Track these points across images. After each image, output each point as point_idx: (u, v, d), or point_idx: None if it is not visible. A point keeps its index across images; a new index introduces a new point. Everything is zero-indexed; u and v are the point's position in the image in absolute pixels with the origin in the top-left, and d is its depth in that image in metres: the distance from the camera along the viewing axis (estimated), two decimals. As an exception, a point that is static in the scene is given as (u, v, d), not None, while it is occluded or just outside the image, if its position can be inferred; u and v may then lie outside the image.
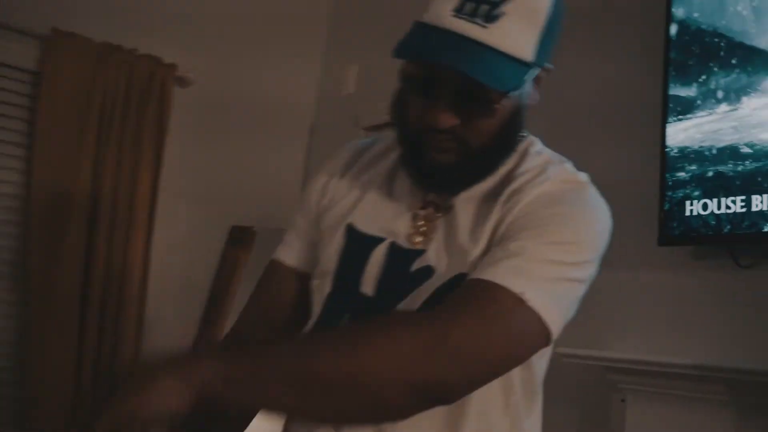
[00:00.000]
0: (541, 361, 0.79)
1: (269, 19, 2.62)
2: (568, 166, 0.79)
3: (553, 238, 0.70)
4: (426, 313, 0.68)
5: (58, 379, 2.04)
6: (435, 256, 0.74)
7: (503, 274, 0.65)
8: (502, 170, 0.78)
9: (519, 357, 0.69)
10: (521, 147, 0.80)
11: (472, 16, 0.67)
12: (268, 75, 2.59)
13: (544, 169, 0.77)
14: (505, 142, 0.77)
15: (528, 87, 0.76)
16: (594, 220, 0.75)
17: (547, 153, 0.82)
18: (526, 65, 0.71)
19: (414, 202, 0.78)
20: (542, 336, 0.67)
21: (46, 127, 2.16)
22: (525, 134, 0.81)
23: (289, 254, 0.86)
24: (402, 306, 0.73)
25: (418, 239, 0.76)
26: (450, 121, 0.70)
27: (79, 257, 2.12)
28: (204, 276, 2.46)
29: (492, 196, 0.76)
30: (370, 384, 0.60)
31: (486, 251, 0.71)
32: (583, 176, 0.79)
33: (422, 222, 0.77)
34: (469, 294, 0.66)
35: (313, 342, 0.67)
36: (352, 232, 0.78)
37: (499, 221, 0.73)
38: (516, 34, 0.69)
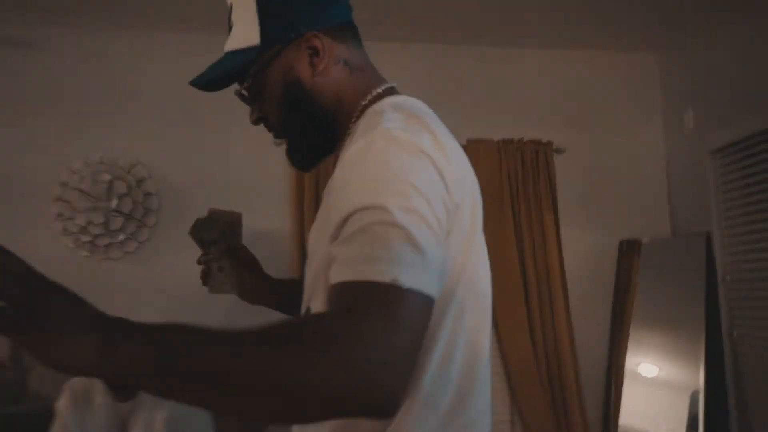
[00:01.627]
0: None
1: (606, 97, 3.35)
2: (387, 117, 0.76)
3: (348, 205, 0.67)
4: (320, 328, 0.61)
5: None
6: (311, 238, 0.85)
7: (336, 274, 0.64)
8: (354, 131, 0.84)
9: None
10: (368, 109, 0.84)
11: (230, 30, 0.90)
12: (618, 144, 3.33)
13: (363, 132, 0.77)
14: (297, 113, 0.86)
15: (288, 57, 0.85)
16: (375, 166, 0.69)
17: (386, 107, 0.81)
18: (252, 50, 0.85)
19: None
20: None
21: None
22: (376, 92, 0.87)
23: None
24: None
25: None
26: (253, 116, 0.91)
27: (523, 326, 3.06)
28: (606, 288, 3.25)
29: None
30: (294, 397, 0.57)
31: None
32: (398, 126, 0.74)
33: None
34: (344, 301, 0.62)
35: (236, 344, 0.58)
36: None
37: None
38: (239, 32, 0.87)
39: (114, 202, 3.08)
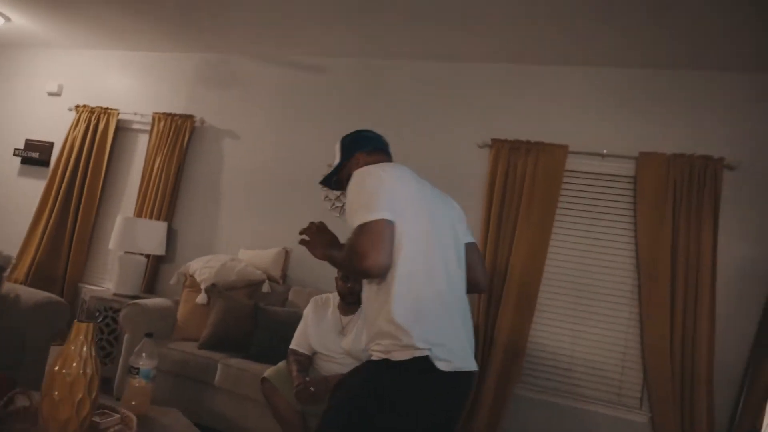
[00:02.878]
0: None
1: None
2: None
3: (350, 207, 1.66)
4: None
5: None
6: None
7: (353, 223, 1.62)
8: None
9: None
10: None
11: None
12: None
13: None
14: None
15: (348, 166, 1.95)
16: (356, 179, 1.67)
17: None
18: (339, 164, 2.00)
19: None
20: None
21: (643, 212, 3.72)
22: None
23: None
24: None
25: None
26: (340, 189, 2.07)
27: (665, 316, 3.51)
28: (757, 300, 3.50)
29: None
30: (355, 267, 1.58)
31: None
32: (371, 165, 1.75)
33: None
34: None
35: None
36: None
37: None
38: (335, 158, 2.05)
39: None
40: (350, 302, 2.97)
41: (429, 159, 4.23)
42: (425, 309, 1.59)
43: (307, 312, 3.08)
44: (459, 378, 1.60)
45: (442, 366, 1.54)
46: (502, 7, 3.43)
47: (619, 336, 3.76)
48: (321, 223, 1.91)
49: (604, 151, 3.85)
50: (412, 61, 4.39)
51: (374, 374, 1.58)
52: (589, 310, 3.85)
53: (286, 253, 4.37)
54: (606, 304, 3.82)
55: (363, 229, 1.55)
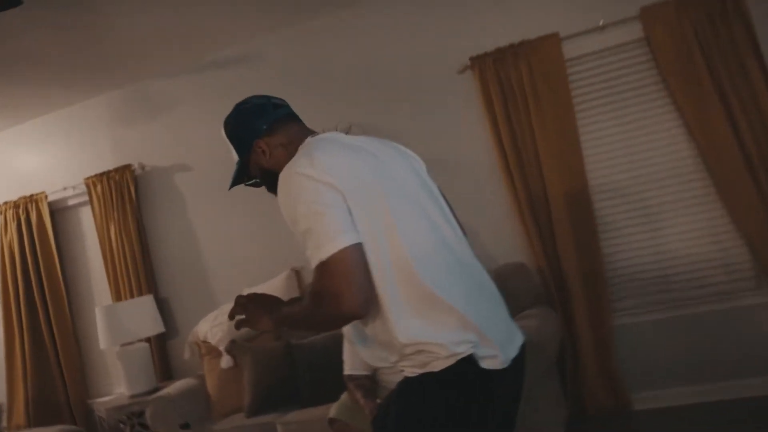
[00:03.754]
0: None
1: None
2: (291, 162, 1.40)
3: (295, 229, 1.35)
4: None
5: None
6: None
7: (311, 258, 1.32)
8: None
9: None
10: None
11: None
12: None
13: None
14: (270, 180, 1.58)
15: (254, 158, 1.60)
16: (287, 198, 1.35)
17: (300, 152, 1.45)
18: (240, 162, 1.64)
19: None
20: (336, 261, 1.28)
21: (672, 75, 3.23)
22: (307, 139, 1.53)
23: None
24: None
25: None
26: (258, 186, 1.69)
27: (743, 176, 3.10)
28: None
29: None
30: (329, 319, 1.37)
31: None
32: (292, 165, 1.38)
33: None
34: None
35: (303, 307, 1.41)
36: None
37: None
38: (233, 153, 1.66)
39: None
40: None
41: (408, 103, 3.77)
42: (443, 307, 1.34)
43: (346, 330, 2.67)
44: (510, 369, 1.40)
45: (488, 364, 1.33)
46: None
47: (702, 222, 3.33)
48: (249, 294, 1.56)
49: (601, 23, 3.33)
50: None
51: (419, 394, 1.35)
52: (659, 205, 3.40)
53: (297, 273, 3.94)
54: (674, 192, 3.37)
55: (324, 268, 1.27)
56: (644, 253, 3.41)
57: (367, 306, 1.29)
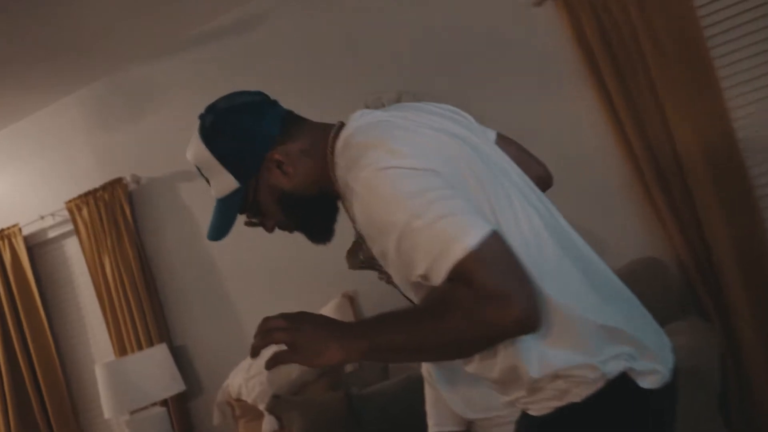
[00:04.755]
0: None
1: None
2: (354, 164, 1.05)
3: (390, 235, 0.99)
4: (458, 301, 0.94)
5: None
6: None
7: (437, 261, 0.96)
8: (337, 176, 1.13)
9: None
10: (335, 156, 1.13)
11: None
12: None
13: (345, 181, 1.07)
14: (296, 212, 1.22)
15: (264, 180, 1.18)
16: (379, 197, 0.99)
17: (354, 149, 1.07)
18: (237, 192, 1.19)
19: None
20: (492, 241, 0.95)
21: None
22: (330, 147, 1.14)
23: None
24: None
25: None
26: (270, 229, 1.28)
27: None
28: None
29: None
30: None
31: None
32: (362, 166, 1.02)
33: None
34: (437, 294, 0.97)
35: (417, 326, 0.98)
36: None
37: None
38: (218, 184, 1.21)
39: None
40: None
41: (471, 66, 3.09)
42: (580, 319, 1.06)
43: (426, 370, 2.33)
44: (671, 385, 1.14)
45: (650, 382, 1.07)
46: None
47: None
48: (298, 313, 1.08)
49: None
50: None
51: None
52: None
53: (351, 300, 3.34)
54: None
55: (473, 264, 0.91)
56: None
57: (538, 314, 0.97)
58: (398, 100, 3.12)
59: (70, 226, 3.95)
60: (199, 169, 1.23)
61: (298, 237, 3.34)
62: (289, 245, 3.37)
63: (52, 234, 4.09)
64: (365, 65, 3.30)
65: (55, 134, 4.05)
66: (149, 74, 3.79)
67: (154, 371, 3.39)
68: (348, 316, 3.25)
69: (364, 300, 3.40)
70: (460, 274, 0.91)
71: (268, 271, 3.60)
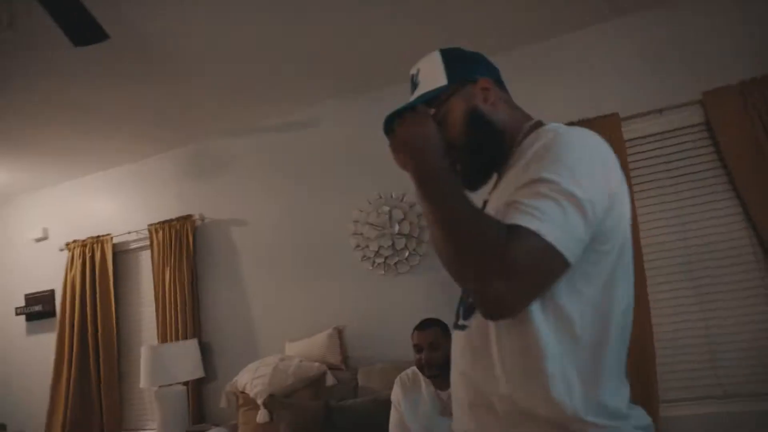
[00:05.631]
0: (572, 299, 0.84)
1: None
2: (555, 125, 0.92)
3: (542, 174, 0.82)
4: (500, 238, 0.78)
5: None
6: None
7: (518, 219, 0.80)
8: (518, 149, 0.97)
9: (543, 280, 0.81)
10: (534, 132, 0.95)
11: (413, 89, 1.09)
12: None
13: (537, 137, 0.91)
14: (478, 132, 1.00)
15: (466, 94, 1.03)
16: (568, 151, 0.84)
17: (555, 127, 0.93)
18: (439, 88, 1.02)
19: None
20: (559, 261, 0.79)
21: (734, 160, 2.76)
22: (530, 124, 1.01)
23: None
24: None
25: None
26: None
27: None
28: None
29: (509, 174, 0.95)
30: (459, 262, 0.83)
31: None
32: (563, 127, 0.90)
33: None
34: (510, 236, 0.78)
35: (466, 211, 0.83)
36: None
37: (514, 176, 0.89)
38: (426, 83, 1.05)
39: (396, 228, 3.43)
40: (430, 375, 2.21)
41: None
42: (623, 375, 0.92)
43: (396, 397, 2.33)
44: None
45: None
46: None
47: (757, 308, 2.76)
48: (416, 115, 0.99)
49: (661, 107, 2.95)
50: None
51: None
52: (712, 287, 2.85)
53: (339, 333, 3.42)
54: (730, 273, 2.82)
55: (528, 244, 0.80)
56: (694, 332, 2.82)
57: (515, 315, 0.84)
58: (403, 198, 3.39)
59: (147, 242, 4.11)
60: (417, 71, 1.08)
61: (307, 282, 3.52)
62: (300, 288, 3.55)
63: (133, 246, 4.23)
64: (380, 166, 3.52)
65: (152, 176, 4.23)
66: (226, 146, 3.97)
67: (183, 358, 3.46)
68: (335, 343, 3.33)
69: (349, 333, 3.44)
70: (519, 234, 0.77)
71: (280, 304, 3.65)
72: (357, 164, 3.57)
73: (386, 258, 3.43)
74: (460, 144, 1.01)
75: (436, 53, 1.07)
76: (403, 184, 3.43)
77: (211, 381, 3.77)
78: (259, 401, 3.06)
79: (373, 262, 3.46)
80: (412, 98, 1.04)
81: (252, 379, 3.15)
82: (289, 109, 3.74)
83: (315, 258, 3.63)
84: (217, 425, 3.39)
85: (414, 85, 1.08)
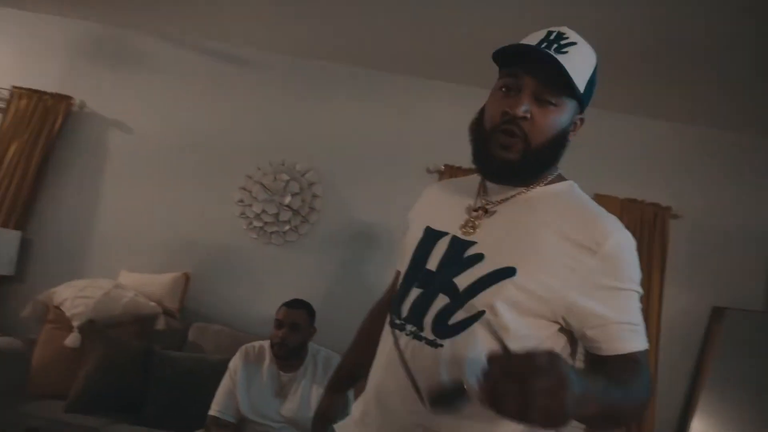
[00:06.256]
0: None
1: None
2: (613, 218, 0.93)
3: (630, 286, 0.92)
4: (635, 384, 0.87)
5: None
6: (487, 247, 0.93)
7: (636, 343, 0.91)
8: (548, 188, 0.97)
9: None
10: (565, 182, 0.99)
11: (549, 48, 0.90)
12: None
13: (570, 194, 0.97)
14: (554, 147, 0.94)
15: (570, 116, 0.94)
16: (636, 259, 0.94)
17: (585, 196, 0.99)
18: (578, 97, 0.93)
19: (469, 207, 1.00)
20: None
21: None
22: (558, 173, 1.01)
23: (399, 264, 1.13)
24: (455, 280, 0.92)
25: (470, 232, 0.97)
26: (525, 109, 0.89)
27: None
28: (689, 353, 3.16)
29: (535, 204, 0.96)
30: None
31: (551, 257, 0.89)
32: (618, 222, 0.94)
33: (472, 221, 0.98)
34: (636, 368, 0.89)
35: (622, 395, 0.82)
36: (427, 230, 1.03)
37: (574, 247, 0.89)
38: (578, 67, 0.91)
39: (287, 199, 3.30)
40: (281, 356, 2.22)
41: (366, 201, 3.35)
42: None
43: (235, 365, 2.28)
44: None
45: None
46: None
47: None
48: (542, 353, 0.67)
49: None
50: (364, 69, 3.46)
51: None
52: None
53: (186, 279, 3.18)
54: None
55: (646, 358, 0.93)
56: None
57: None
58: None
59: (2, 105, 3.45)
60: (571, 44, 0.93)
61: (170, 212, 3.11)
62: (160, 219, 3.24)
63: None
64: (297, 133, 3.52)
65: (44, 38, 3.53)
66: (142, 43, 3.51)
67: (-1, 248, 2.92)
68: (178, 290, 3.09)
69: (197, 281, 3.22)
70: (646, 356, 0.91)
71: (133, 229, 3.30)
72: (271, 129, 3.44)
73: (265, 224, 3.29)
74: (529, 143, 0.92)
75: (594, 55, 0.97)
76: (311, 161, 3.35)
77: (18, 282, 3.26)
78: (75, 323, 2.75)
79: (251, 223, 3.31)
80: (562, 60, 0.90)
81: (74, 296, 2.83)
82: (231, 40, 3.48)
83: (189, 193, 3.35)
84: (8, 335, 2.90)
85: (560, 46, 0.91)
